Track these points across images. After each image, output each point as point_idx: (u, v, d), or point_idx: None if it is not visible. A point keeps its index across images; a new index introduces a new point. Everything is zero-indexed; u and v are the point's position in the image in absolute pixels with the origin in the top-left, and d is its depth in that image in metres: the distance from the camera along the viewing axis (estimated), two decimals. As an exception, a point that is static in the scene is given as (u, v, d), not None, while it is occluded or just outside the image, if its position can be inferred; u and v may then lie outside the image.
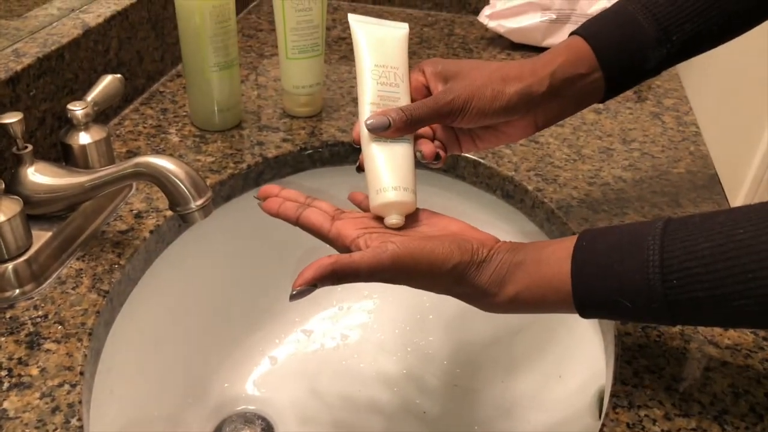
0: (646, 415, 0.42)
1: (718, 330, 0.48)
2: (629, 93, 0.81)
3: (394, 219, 0.44)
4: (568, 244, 0.40)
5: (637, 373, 0.45)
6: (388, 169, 0.45)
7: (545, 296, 0.40)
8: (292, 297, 0.40)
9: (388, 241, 0.41)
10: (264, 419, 0.63)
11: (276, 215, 0.46)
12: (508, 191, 0.65)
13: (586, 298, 0.39)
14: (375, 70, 0.47)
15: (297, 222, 0.46)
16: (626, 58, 0.48)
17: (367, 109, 0.46)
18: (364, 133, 0.46)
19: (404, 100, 0.47)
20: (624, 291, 0.37)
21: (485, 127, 0.49)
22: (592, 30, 0.48)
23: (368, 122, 0.45)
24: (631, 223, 0.40)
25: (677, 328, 0.48)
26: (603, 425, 0.42)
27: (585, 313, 0.40)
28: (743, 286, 0.34)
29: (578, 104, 0.49)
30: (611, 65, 0.48)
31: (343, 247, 0.44)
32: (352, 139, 0.48)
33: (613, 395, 0.43)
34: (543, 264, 0.40)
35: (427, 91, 0.49)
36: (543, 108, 0.48)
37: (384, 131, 0.45)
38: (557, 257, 0.40)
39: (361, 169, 0.47)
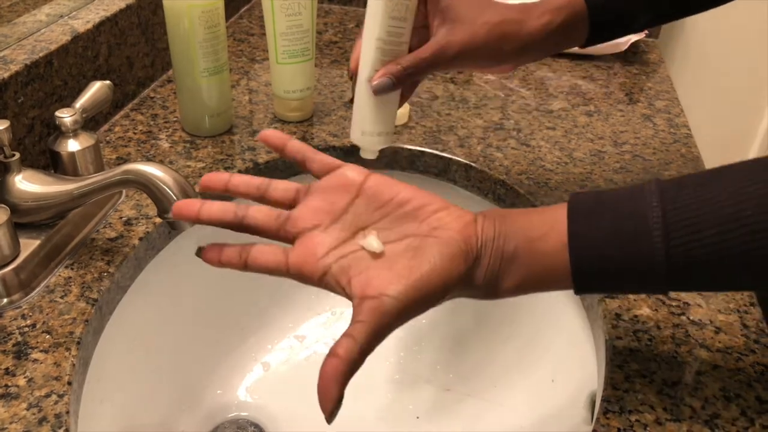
0: (637, 420, 0.42)
1: (709, 333, 0.48)
2: (621, 95, 0.81)
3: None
4: (560, 228, 0.38)
5: (628, 377, 0.45)
6: (378, 115, 0.49)
7: (544, 284, 0.39)
8: (329, 418, 0.35)
9: (381, 294, 0.36)
10: (257, 426, 0.63)
11: (220, 266, 0.41)
12: (499, 195, 0.65)
13: (586, 288, 0.38)
14: (388, 3, 0.47)
15: (246, 270, 0.40)
16: (617, 19, 0.50)
17: (375, 47, 0.48)
18: (362, 76, 0.48)
19: (406, 37, 0.48)
20: (628, 277, 0.37)
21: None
22: None
23: (374, 85, 0.48)
24: (621, 194, 0.38)
25: (668, 332, 0.48)
26: (594, 430, 0.41)
27: (582, 293, 0.39)
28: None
29: (560, 48, 0.52)
30: (602, 25, 0.50)
31: (313, 285, 0.39)
32: (348, 70, 0.50)
33: (604, 400, 0.43)
34: (538, 255, 0.38)
35: (424, 19, 0.49)
36: (526, 55, 0.50)
37: (389, 91, 0.48)
38: (552, 247, 0.38)
39: (353, 101, 0.50)
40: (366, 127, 0.50)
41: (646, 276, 0.36)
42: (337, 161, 0.41)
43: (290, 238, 0.40)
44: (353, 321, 0.36)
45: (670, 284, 0.36)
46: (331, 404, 0.34)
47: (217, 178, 0.42)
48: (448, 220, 0.39)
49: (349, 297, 0.37)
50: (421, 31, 0.50)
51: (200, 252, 0.41)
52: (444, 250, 0.37)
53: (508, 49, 0.48)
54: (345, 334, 0.35)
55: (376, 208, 0.39)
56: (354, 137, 0.51)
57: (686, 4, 0.52)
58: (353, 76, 0.50)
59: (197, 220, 0.41)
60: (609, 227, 0.37)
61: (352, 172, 0.40)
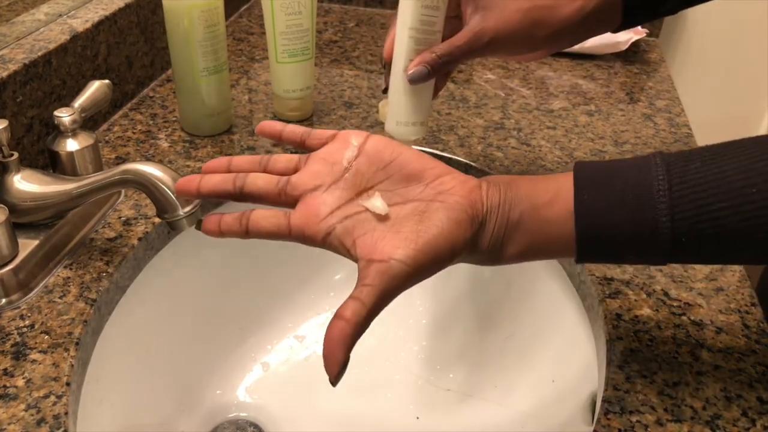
0: (638, 421, 0.42)
1: (710, 333, 0.48)
2: (621, 94, 0.81)
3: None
4: (566, 196, 0.38)
5: (629, 378, 0.45)
6: (413, 104, 0.50)
7: (547, 252, 0.39)
8: (334, 380, 0.36)
9: (389, 258, 0.36)
10: (256, 426, 0.63)
11: (221, 236, 0.40)
12: (499, 195, 0.64)
13: (588, 256, 0.38)
14: None
15: (248, 236, 0.39)
16: (649, 3, 0.50)
17: (408, 36, 0.48)
18: (397, 66, 0.49)
19: (439, 26, 0.49)
20: (631, 247, 0.37)
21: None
22: None
23: (409, 74, 0.48)
24: (627, 165, 0.38)
25: (669, 333, 0.48)
26: (595, 431, 0.41)
27: (581, 261, 0.39)
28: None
29: (593, 33, 0.51)
30: (634, 8, 0.50)
31: (316, 246, 0.39)
32: (381, 58, 0.49)
33: (605, 400, 0.43)
34: (543, 222, 0.38)
35: (456, 9, 0.50)
36: (561, 40, 0.50)
37: (425, 80, 0.48)
38: (557, 215, 0.38)
39: (387, 90, 0.51)
40: (401, 117, 0.50)
41: (648, 246, 0.36)
42: (335, 131, 0.41)
43: (292, 202, 0.39)
44: (360, 284, 0.35)
45: (671, 256, 0.36)
46: (336, 368, 0.35)
47: (218, 162, 0.42)
48: (452, 184, 0.38)
49: (354, 259, 0.37)
50: (453, 21, 0.50)
51: (199, 225, 0.41)
52: (451, 215, 0.37)
53: (541, 35, 0.48)
54: (352, 297, 0.35)
55: (378, 168, 0.39)
56: (388, 128, 0.51)
57: None
58: (386, 66, 0.51)
59: (198, 195, 0.40)
60: (615, 197, 0.37)
61: (351, 133, 0.40)
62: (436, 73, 0.48)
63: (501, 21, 0.48)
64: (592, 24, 0.49)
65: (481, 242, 0.38)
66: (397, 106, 0.50)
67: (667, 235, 0.35)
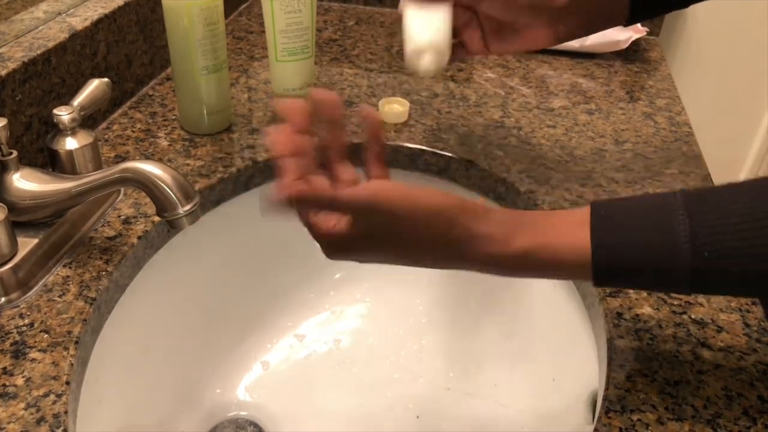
0: (638, 419, 0.42)
1: (711, 332, 0.48)
2: (622, 93, 0.81)
3: (425, 59, 0.48)
4: (580, 213, 0.38)
5: (629, 376, 0.44)
6: (419, 27, 0.51)
7: (562, 256, 0.37)
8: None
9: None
10: (256, 425, 0.63)
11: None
12: (500, 193, 0.64)
13: (605, 263, 0.36)
14: None
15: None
16: None
17: None
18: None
19: None
20: (649, 259, 0.35)
21: (510, 27, 0.52)
22: None
23: None
24: (644, 196, 0.38)
25: (670, 331, 0.48)
26: (595, 429, 0.41)
27: (599, 279, 0.37)
28: None
29: (602, 22, 0.51)
30: (642, 2, 0.50)
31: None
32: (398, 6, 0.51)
33: (605, 399, 0.43)
34: (556, 226, 0.37)
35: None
36: (567, 19, 0.50)
37: None
38: (570, 223, 0.37)
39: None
40: (411, 45, 0.52)
41: (667, 271, 0.35)
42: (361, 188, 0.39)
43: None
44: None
45: (690, 284, 0.35)
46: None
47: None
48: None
49: None
50: (465, 12, 0.52)
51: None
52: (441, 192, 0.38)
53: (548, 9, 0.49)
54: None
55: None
56: (406, 62, 0.53)
57: None
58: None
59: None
60: (633, 224, 0.36)
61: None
62: None
63: None
64: (598, 8, 0.50)
65: (483, 225, 0.37)
66: (408, 33, 0.52)
67: (687, 262, 0.34)
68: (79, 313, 0.47)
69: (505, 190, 0.64)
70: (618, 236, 0.36)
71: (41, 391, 0.41)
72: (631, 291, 0.51)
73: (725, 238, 0.33)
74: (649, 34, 0.95)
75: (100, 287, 0.49)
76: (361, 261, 0.40)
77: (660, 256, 0.35)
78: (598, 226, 0.36)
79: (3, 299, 0.47)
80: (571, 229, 0.37)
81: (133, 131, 0.68)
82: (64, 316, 0.46)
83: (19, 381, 0.42)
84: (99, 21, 0.65)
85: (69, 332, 0.45)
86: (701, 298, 0.51)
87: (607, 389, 0.44)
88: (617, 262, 0.36)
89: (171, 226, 0.46)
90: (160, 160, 0.63)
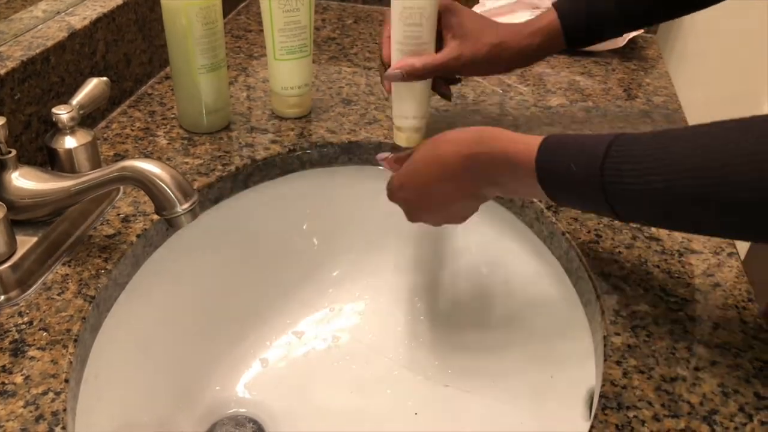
0: (635, 416, 0.42)
1: (707, 329, 0.48)
2: (619, 91, 0.81)
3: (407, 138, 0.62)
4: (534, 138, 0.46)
5: (626, 373, 0.45)
6: (409, 101, 0.61)
7: (515, 156, 0.46)
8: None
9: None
10: (255, 422, 0.63)
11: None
12: (498, 191, 0.65)
13: (546, 153, 0.44)
14: (403, 12, 0.56)
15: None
16: (588, 34, 0.64)
17: (395, 48, 0.59)
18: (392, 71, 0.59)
19: (426, 38, 0.58)
20: (576, 157, 0.42)
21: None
22: (564, 9, 0.62)
23: (386, 74, 0.59)
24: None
25: (666, 328, 0.48)
26: (592, 426, 0.41)
27: (546, 186, 0.44)
28: (683, 174, 0.37)
29: (541, 57, 0.66)
30: (575, 39, 0.63)
31: None
32: (380, 56, 0.62)
33: (602, 396, 0.43)
34: (515, 139, 0.47)
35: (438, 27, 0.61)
36: (518, 66, 0.65)
37: (400, 80, 0.59)
38: (526, 136, 0.47)
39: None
40: (402, 111, 0.62)
41: (587, 188, 0.42)
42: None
43: None
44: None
45: (606, 201, 0.41)
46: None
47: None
48: None
49: None
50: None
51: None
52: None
53: (502, 63, 0.63)
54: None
55: None
56: (395, 123, 0.63)
57: (650, 15, 0.64)
58: (385, 66, 0.62)
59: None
60: (575, 139, 0.44)
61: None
62: (412, 79, 0.59)
63: (473, 50, 0.60)
64: (542, 53, 0.64)
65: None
66: (397, 103, 0.61)
67: (597, 177, 0.41)
68: (78, 311, 0.47)
69: (503, 188, 0.64)
70: (561, 143, 0.44)
71: (40, 389, 0.41)
72: (627, 288, 0.51)
73: (633, 147, 0.40)
74: (646, 31, 0.95)
75: (99, 285, 0.49)
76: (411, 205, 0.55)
77: (581, 157, 0.42)
78: (547, 139, 0.45)
79: (2, 297, 0.47)
80: (525, 138, 0.46)
81: (132, 130, 0.68)
82: (63, 314, 0.47)
83: (18, 379, 0.42)
84: (98, 20, 0.65)
85: (68, 330, 0.45)
86: (698, 295, 0.51)
87: (603, 386, 0.44)
88: (554, 157, 0.44)
89: (170, 225, 0.46)
90: (158, 158, 0.64)
